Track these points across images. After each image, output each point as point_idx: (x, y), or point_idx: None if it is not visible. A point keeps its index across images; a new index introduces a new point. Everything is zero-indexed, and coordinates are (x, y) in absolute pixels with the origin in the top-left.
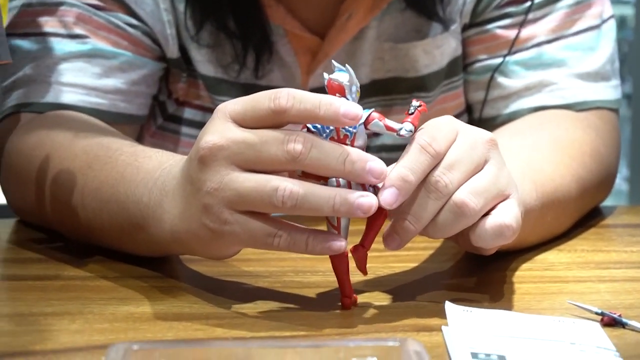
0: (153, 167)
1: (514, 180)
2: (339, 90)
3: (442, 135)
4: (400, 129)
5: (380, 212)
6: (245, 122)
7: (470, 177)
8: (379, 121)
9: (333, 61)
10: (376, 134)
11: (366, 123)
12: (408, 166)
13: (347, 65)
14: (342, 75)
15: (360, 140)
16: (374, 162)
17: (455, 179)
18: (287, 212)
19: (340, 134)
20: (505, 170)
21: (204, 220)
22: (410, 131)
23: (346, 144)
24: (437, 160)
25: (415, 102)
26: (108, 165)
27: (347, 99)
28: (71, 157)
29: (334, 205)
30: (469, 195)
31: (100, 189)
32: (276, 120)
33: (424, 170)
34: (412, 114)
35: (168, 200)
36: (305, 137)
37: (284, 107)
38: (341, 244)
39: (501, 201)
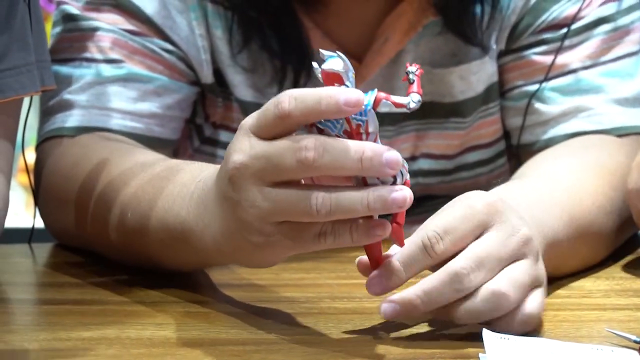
0: (188, 180)
1: (544, 270)
2: (336, 79)
3: (456, 233)
4: (409, 102)
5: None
6: (262, 133)
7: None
8: (387, 101)
9: (321, 50)
10: (413, 158)
11: (375, 105)
12: (403, 261)
13: (338, 52)
14: (336, 62)
15: (372, 125)
16: (389, 153)
17: (481, 277)
18: (324, 219)
19: (352, 125)
20: (538, 264)
21: (247, 236)
22: (419, 101)
23: (360, 133)
24: (435, 262)
25: (411, 68)
26: (144, 181)
27: (346, 85)
28: (108, 175)
29: (368, 204)
30: (508, 287)
31: (138, 206)
32: (285, 126)
33: (419, 270)
34: (414, 82)
35: (207, 215)
36: (316, 142)
37: (286, 110)
38: (385, 228)
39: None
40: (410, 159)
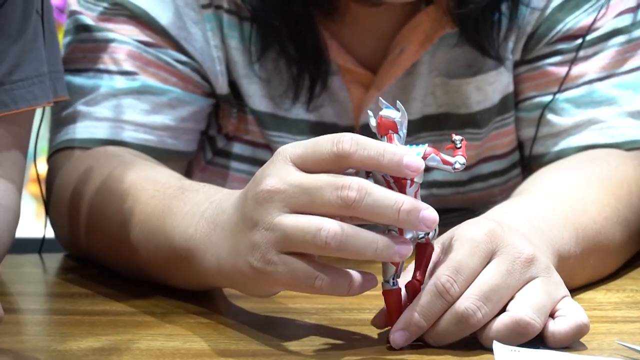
0: (200, 200)
1: (560, 279)
2: (391, 127)
3: (467, 271)
4: (455, 162)
5: (427, 246)
6: (305, 165)
7: (505, 304)
8: (436, 155)
9: (380, 98)
10: (427, 169)
11: (424, 158)
12: (422, 312)
13: (398, 101)
14: (392, 111)
15: (418, 176)
16: (427, 211)
17: (490, 311)
18: (331, 254)
19: None
20: (552, 277)
21: (249, 258)
22: (464, 164)
23: (405, 180)
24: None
25: (456, 137)
26: (155, 198)
27: (399, 135)
28: (119, 190)
29: (376, 249)
30: (531, 314)
31: (146, 221)
32: (337, 164)
33: (438, 315)
34: (460, 147)
35: (216, 234)
36: (360, 184)
37: (347, 151)
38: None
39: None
40: (425, 170)
